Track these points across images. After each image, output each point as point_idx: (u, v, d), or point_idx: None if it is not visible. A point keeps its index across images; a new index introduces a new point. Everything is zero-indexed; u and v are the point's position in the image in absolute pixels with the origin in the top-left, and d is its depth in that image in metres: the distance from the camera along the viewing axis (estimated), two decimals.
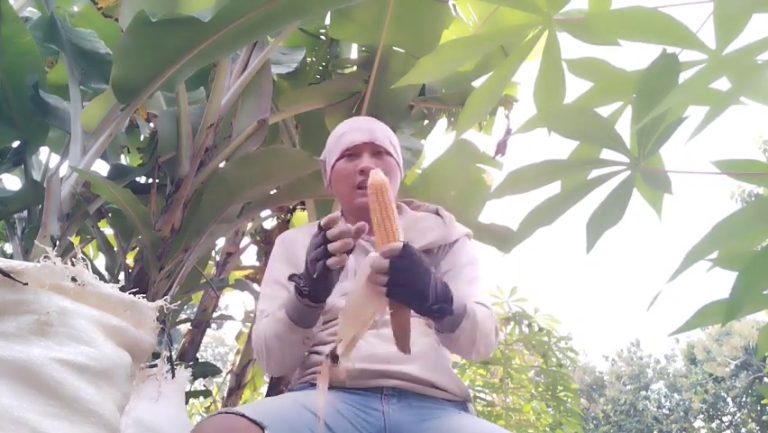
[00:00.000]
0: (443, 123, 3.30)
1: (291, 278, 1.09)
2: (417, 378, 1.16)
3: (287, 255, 1.33)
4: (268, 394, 3.12)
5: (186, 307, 3.85)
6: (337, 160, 1.33)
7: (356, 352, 1.16)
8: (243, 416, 0.94)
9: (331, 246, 1.00)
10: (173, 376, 1.43)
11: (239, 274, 3.76)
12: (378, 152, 1.32)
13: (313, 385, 1.18)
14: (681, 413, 19.40)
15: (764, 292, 1.07)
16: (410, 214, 1.38)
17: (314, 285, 1.06)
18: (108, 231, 2.87)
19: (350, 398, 1.13)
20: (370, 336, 1.18)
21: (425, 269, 1.01)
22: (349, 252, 1.02)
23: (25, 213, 2.43)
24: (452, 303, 1.06)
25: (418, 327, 1.20)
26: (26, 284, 0.95)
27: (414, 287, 0.99)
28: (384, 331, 1.17)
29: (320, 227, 1.03)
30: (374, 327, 1.18)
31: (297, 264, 1.29)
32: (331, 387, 1.15)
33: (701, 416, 18.89)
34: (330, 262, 1.00)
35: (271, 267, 1.34)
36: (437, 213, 1.40)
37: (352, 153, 1.32)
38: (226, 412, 0.96)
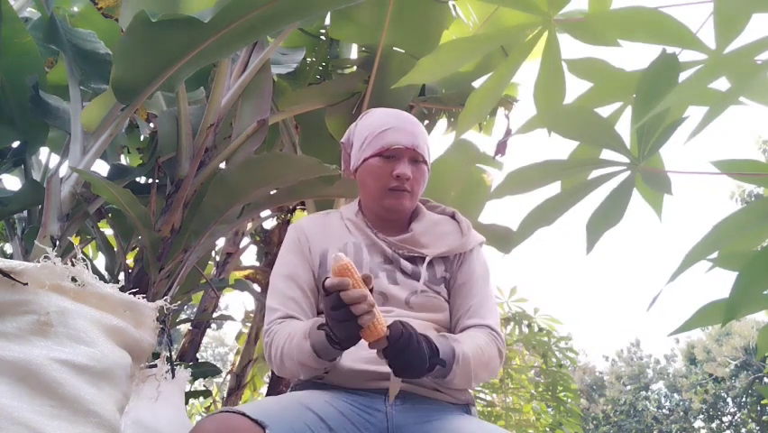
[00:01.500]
0: (443, 123, 3.31)
1: (321, 327, 1.06)
2: (422, 381, 1.15)
3: (300, 247, 1.29)
4: (268, 394, 3.12)
5: (186, 307, 3.85)
6: (373, 155, 1.28)
7: (359, 353, 1.14)
8: (244, 415, 0.93)
9: (356, 310, 0.98)
10: (173, 376, 1.43)
11: (239, 274, 3.76)
12: (416, 159, 1.28)
13: (315, 385, 1.18)
14: (681, 413, 19.40)
15: (764, 292, 1.07)
16: (428, 217, 1.34)
17: (339, 339, 1.04)
18: (108, 231, 2.87)
19: (352, 398, 1.12)
20: None
21: (415, 343, 1.02)
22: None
23: (25, 213, 2.43)
24: (439, 355, 1.07)
25: (426, 330, 1.19)
26: (26, 284, 0.95)
27: (412, 364, 1.02)
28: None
29: (328, 290, 1.00)
30: None
31: (310, 256, 1.27)
32: (333, 387, 1.15)
33: (701, 416, 18.89)
34: (363, 321, 0.99)
35: (284, 259, 1.29)
36: (453, 216, 1.37)
37: (390, 155, 1.26)
38: (227, 411, 0.95)
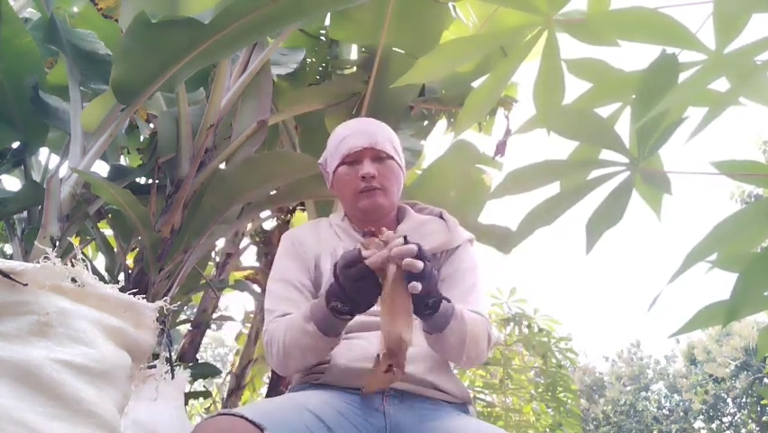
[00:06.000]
0: (442, 123, 3.31)
1: (330, 303, 1.07)
2: (419, 379, 1.16)
3: (295, 252, 1.32)
4: (267, 395, 3.12)
5: (186, 307, 3.85)
6: (338, 165, 1.32)
7: (355, 352, 1.16)
8: (243, 417, 0.94)
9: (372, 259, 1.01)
10: (172, 377, 1.43)
11: (239, 275, 3.76)
12: (379, 157, 1.30)
13: (313, 385, 1.18)
14: (681, 414, 19.40)
15: (765, 294, 1.07)
16: (414, 217, 1.36)
17: (354, 302, 1.05)
18: (108, 232, 2.87)
19: (350, 398, 1.13)
20: (370, 335, 1.18)
21: (432, 267, 1.06)
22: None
23: (25, 214, 2.43)
24: (441, 301, 1.08)
25: (419, 328, 1.19)
26: (26, 285, 0.95)
27: (432, 281, 1.04)
28: None
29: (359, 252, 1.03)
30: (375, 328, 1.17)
31: (305, 258, 1.30)
32: (331, 387, 1.15)
33: (701, 417, 18.89)
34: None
35: (279, 265, 1.32)
36: (441, 216, 1.39)
37: (353, 160, 1.30)
38: (226, 414, 0.96)
